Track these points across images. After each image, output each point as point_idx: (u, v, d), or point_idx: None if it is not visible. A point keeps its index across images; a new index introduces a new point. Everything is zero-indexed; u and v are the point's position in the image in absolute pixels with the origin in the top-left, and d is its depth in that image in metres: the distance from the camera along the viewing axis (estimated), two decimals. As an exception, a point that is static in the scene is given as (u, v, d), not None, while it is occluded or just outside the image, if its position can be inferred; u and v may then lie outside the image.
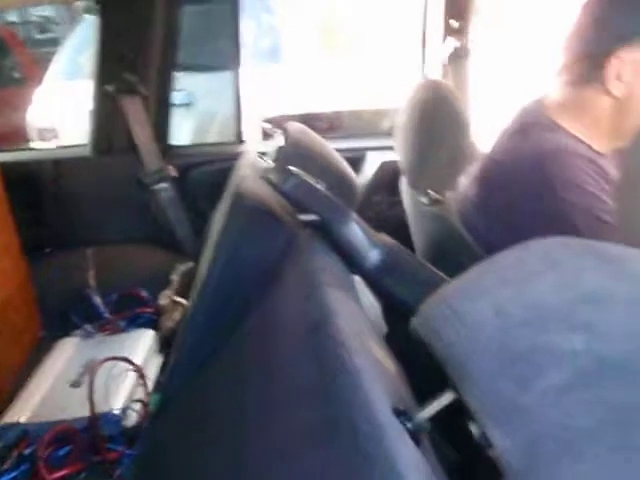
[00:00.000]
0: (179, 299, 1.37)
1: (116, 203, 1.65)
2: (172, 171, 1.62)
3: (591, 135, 0.97)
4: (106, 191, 1.65)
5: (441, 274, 0.82)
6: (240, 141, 1.84)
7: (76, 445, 0.98)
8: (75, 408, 1.03)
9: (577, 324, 0.38)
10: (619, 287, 0.39)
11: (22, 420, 1.03)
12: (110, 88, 1.54)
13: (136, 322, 1.37)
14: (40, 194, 1.64)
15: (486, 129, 1.23)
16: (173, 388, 0.96)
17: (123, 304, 1.39)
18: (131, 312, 1.38)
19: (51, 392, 1.11)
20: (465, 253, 0.99)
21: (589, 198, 0.87)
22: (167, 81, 1.66)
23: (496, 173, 1.01)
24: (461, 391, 0.40)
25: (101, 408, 1.01)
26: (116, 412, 1.02)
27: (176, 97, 1.77)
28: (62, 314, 1.37)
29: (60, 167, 1.66)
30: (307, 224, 0.91)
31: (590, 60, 0.95)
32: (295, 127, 1.21)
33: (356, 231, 0.82)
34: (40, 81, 3.82)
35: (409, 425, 0.46)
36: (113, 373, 1.09)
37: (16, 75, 4.49)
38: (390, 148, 1.29)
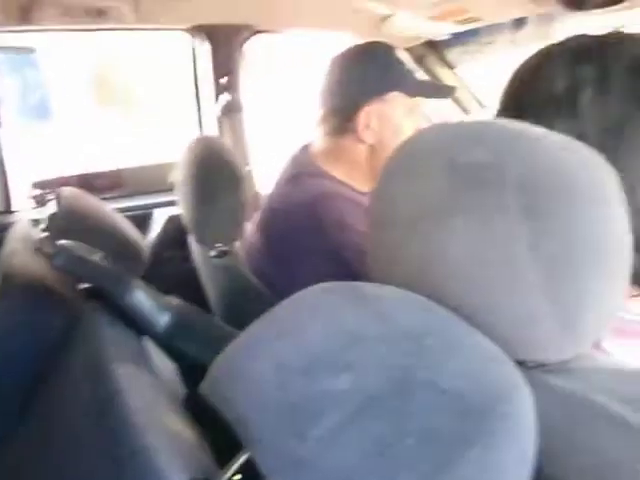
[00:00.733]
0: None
1: None
2: None
3: (353, 177, 1.08)
4: None
5: (232, 329, 0.83)
6: (8, 211, 1.66)
7: None
8: None
9: (343, 365, 0.41)
10: (375, 326, 0.43)
11: None
12: None
13: None
14: None
15: (267, 178, 1.30)
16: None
17: None
18: None
19: None
20: (257, 301, 1.02)
21: (356, 236, 0.97)
22: None
23: (274, 220, 1.07)
24: (250, 451, 0.41)
25: None
26: None
27: None
28: None
29: None
30: (90, 295, 0.86)
31: (343, 113, 1.08)
32: (68, 192, 1.14)
33: (141, 297, 0.79)
34: None
35: None
36: None
37: None
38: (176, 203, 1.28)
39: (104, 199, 1.55)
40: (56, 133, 3.22)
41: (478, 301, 0.44)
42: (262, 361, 0.43)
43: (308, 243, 0.97)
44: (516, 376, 0.41)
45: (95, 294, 0.85)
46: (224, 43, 1.50)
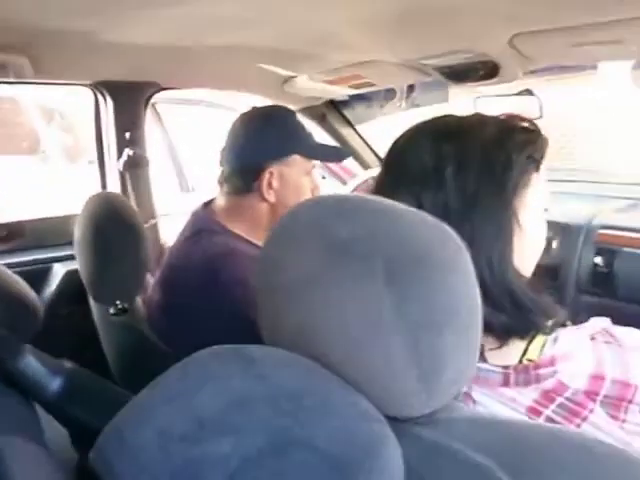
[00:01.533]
0: None
1: None
2: None
3: (255, 235, 1.12)
4: None
5: (127, 393, 0.82)
6: None
7: None
8: None
9: (227, 429, 0.43)
10: (260, 387, 0.46)
11: None
12: None
13: None
14: None
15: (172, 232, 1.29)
16: None
17: None
18: None
19: None
20: (157, 361, 1.00)
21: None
22: None
23: (174, 276, 1.08)
24: None
25: None
26: None
27: None
28: None
29: None
30: None
31: (246, 173, 1.12)
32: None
33: (30, 362, 0.76)
34: None
35: None
36: None
37: None
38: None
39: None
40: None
41: (353, 362, 0.48)
42: (146, 427, 0.44)
43: (208, 302, 0.98)
44: (385, 432, 0.44)
45: None
46: (128, 99, 1.51)
